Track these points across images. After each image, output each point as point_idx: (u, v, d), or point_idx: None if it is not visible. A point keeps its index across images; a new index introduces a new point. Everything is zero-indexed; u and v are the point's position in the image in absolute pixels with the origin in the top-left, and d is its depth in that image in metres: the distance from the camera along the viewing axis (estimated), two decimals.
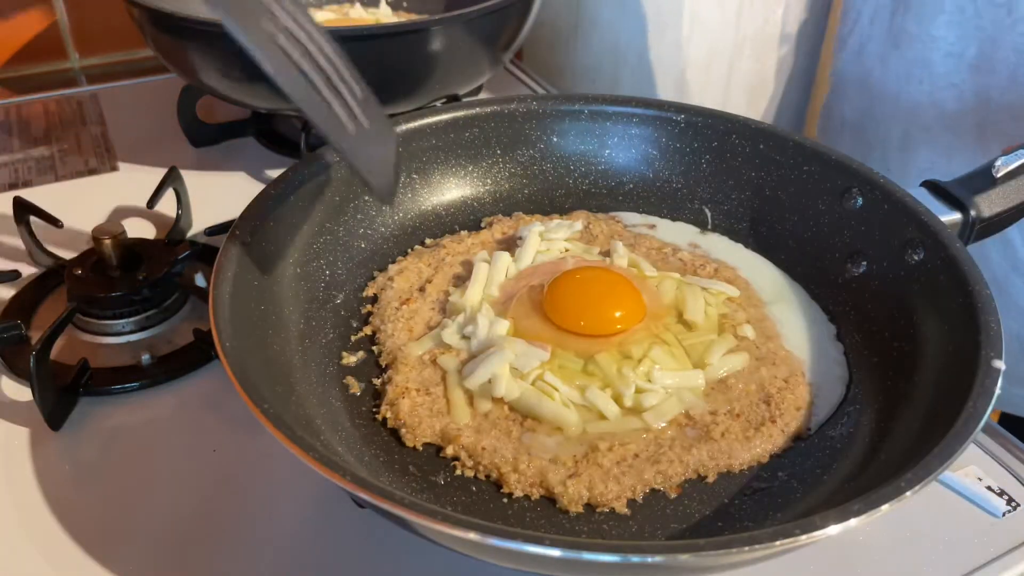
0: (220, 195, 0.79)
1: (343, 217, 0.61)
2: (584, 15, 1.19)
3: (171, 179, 0.72)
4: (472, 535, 0.36)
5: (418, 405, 0.51)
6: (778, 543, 0.36)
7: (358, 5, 0.96)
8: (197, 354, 0.60)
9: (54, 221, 0.69)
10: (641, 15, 1.20)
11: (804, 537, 0.36)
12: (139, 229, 0.73)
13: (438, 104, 0.74)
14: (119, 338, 0.62)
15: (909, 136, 0.88)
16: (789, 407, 0.52)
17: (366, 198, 0.62)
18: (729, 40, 1.26)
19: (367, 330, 0.57)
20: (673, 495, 0.48)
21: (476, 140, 0.66)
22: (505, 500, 0.47)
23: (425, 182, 0.65)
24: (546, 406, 0.50)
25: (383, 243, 0.63)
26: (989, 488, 0.52)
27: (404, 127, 0.63)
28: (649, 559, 0.36)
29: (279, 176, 0.57)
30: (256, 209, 0.54)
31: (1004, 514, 0.51)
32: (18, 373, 0.58)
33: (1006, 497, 0.51)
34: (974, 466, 0.53)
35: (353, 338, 0.57)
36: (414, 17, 0.94)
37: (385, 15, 0.97)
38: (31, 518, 0.49)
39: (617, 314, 0.54)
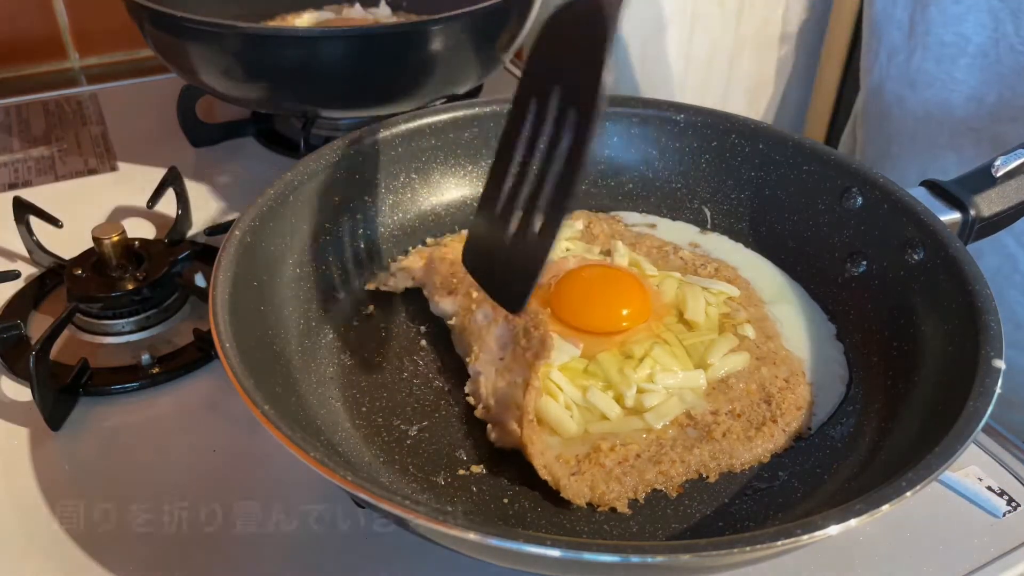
0: (220, 195, 0.79)
1: (342, 217, 0.61)
2: None
3: (171, 179, 0.72)
4: (472, 535, 0.36)
5: None
6: (779, 543, 0.36)
7: (357, 5, 0.96)
8: (197, 354, 0.60)
9: (54, 221, 0.69)
10: (641, 14, 1.20)
11: (805, 537, 0.36)
12: (139, 229, 0.73)
13: (438, 104, 0.74)
14: (119, 338, 0.62)
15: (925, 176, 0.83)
16: (790, 407, 0.52)
17: (365, 198, 0.62)
18: (729, 40, 1.27)
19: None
20: (674, 495, 0.48)
21: (476, 140, 0.66)
22: (505, 500, 0.47)
23: (425, 182, 0.65)
24: (550, 408, 0.50)
25: (382, 243, 0.63)
26: (989, 488, 0.52)
27: (404, 127, 0.63)
28: (650, 559, 0.35)
29: (279, 177, 0.57)
30: (256, 209, 0.54)
31: (1004, 514, 0.50)
32: (18, 373, 0.58)
33: (1006, 497, 0.51)
34: (974, 466, 0.53)
35: (352, 338, 0.57)
36: (414, 17, 0.94)
37: (385, 15, 0.97)
38: (31, 518, 0.49)
39: (625, 312, 0.54)
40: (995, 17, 0.74)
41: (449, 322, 0.57)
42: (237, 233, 0.52)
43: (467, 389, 0.53)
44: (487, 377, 0.51)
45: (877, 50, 0.86)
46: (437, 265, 0.59)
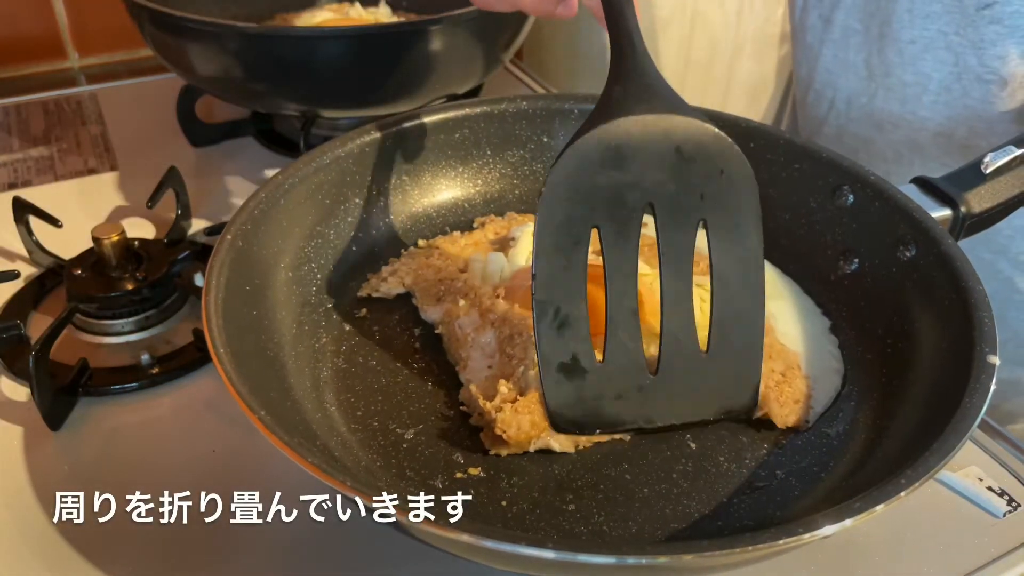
0: (220, 195, 0.79)
1: (334, 220, 0.60)
2: (584, 14, 1.19)
3: (171, 179, 0.72)
4: (468, 538, 0.36)
5: None
6: (778, 543, 0.36)
7: (358, 5, 0.96)
8: (196, 354, 0.60)
9: (54, 221, 0.69)
10: (641, 15, 1.19)
11: (806, 536, 0.36)
12: (139, 229, 0.73)
13: (437, 104, 0.74)
14: (118, 338, 0.62)
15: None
16: (787, 400, 0.51)
17: (357, 200, 0.62)
18: (729, 40, 1.26)
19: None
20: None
21: (466, 141, 0.66)
22: (503, 503, 0.47)
23: (416, 183, 0.65)
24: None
25: (375, 246, 0.63)
26: (990, 488, 0.52)
27: (393, 129, 0.63)
28: (646, 560, 0.35)
29: (269, 180, 0.57)
30: (247, 213, 0.54)
31: (1005, 514, 0.50)
32: (17, 373, 0.58)
33: (1007, 497, 0.51)
34: (974, 466, 0.53)
35: (346, 342, 0.57)
36: (414, 17, 0.94)
37: (385, 15, 0.97)
38: (29, 519, 0.49)
39: None
40: (954, 52, 0.73)
41: (436, 331, 0.57)
42: (228, 237, 0.51)
43: (461, 398, 0.52)
44: (478, 386, 0.51)
45: (832, 98, 0.85)
46: (424, 273, 0.59)
